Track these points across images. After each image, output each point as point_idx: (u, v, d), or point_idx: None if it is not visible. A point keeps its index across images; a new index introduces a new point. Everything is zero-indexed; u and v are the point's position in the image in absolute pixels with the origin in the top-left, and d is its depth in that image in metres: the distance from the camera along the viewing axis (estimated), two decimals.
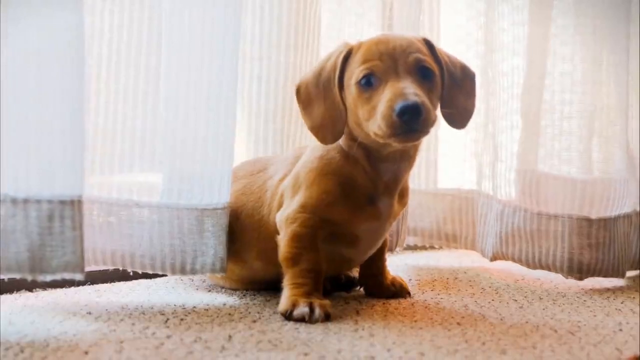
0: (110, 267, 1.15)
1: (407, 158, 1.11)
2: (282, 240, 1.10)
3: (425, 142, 1.57)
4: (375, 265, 1.23)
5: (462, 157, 1.62)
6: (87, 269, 1.24)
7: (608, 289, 1.35)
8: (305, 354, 0.87)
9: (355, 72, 1.05)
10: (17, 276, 0.97)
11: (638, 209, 1.47)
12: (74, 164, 0.99)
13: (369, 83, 1.03)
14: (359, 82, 1.04)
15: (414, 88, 1.00)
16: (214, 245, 1.14)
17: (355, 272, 1.28)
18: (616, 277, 1.40)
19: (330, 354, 0.87)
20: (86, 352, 0.86)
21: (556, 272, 1.39)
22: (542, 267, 1.40)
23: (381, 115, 1.00)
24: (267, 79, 1.35)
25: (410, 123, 0.98)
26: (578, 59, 1.43)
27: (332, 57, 1.09)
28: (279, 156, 1.25)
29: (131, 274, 1.21)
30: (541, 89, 1.44)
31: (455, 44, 1.60)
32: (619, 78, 1.44)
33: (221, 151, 1.14)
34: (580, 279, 1.38)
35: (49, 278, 0.97)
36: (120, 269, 1.15)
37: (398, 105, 0.98)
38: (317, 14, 1.42)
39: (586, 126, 1.44)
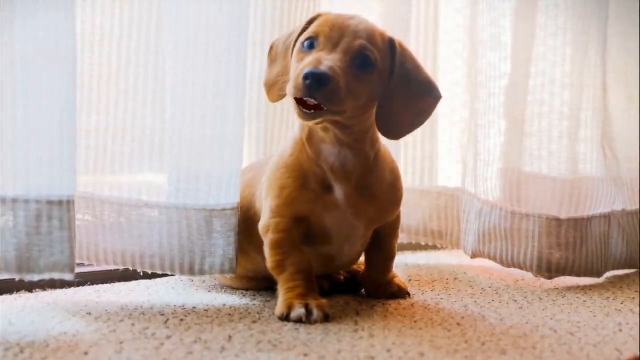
0: (121, 267, 1.16)
1: (347, 145, 1.08)
2: (265, 251, 1.10)
3: (417, 140, 1.58)
4: (377, 271, 1.22)
5: (449, 156, 1.62)
6: (91, 269, 1.25)
7: (608, 290, 1.35)
8: (305, 355, 0.87)
9: (305, 33, 1.07)
10: (5, 276, 0.97)
11: (628, 209, 1.47)
12: (63, 165, 0.98)
13: (310, 46, 1.05)
14: (302, 42, 1.05)
15: (335, 63, 1.00)
16: (222, 246, 1.14)
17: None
18: (590, 277, 1.40)
19: (330, 355, 0.87)
20: (86, 353, 0.86)
21: (527, 270, 1.39)
22: (514, 266, 1.40)
23: (293, 76, 1.01)
24: (250, 78, 1.33)
25: (311, 90, 0.98)
26: (560, 60, 1.42)
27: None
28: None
29: (134, 272, 1.21)
30: (526, 89, 1.44)
31: (453, 43, 1.60)
32: (597, 79, 1.44)
33: (229, 150, 1.14)
34: (550, 278, 1.39)
35: (36, 278, 0.97)
36: (121, 268, 1.16)
37: (307, 69, 0.98)
38: (310, 13, 1.41)
39: (565, 126, 1.43)
